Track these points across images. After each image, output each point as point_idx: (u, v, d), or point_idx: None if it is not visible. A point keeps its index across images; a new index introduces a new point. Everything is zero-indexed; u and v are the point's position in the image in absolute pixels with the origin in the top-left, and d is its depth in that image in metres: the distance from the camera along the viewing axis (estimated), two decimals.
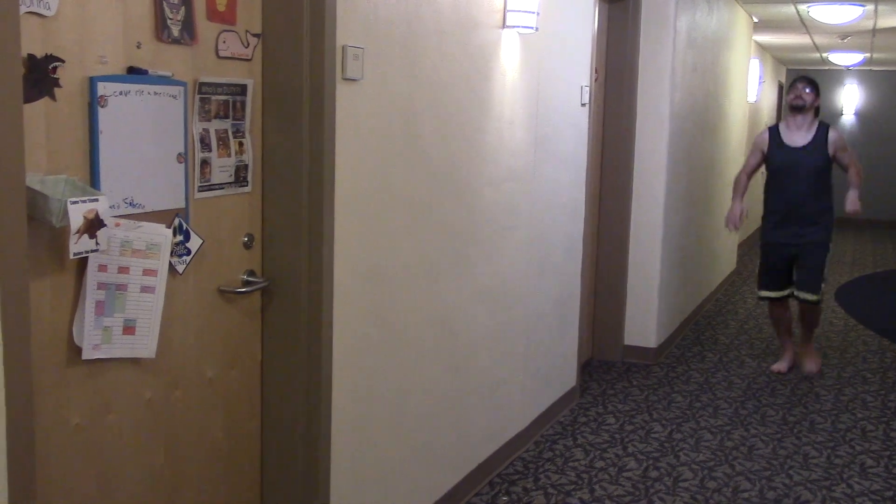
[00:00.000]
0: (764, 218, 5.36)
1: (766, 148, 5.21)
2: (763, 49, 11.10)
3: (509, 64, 3.55)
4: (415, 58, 2.85)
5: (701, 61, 6.40)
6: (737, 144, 8.55)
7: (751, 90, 9.54)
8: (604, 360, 5.56)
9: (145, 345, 2.02)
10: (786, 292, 5.31)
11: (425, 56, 2.92)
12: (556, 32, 4.02)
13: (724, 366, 5.60)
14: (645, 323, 5.63)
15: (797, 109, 5.09)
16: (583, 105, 4.51)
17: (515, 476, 3.75)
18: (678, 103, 5.72)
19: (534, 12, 3.47)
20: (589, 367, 5.37)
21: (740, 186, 5.39)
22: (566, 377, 4.62)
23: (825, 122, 5.18)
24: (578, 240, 4.63)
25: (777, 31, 9.48)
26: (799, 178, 5.06)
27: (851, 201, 5.07)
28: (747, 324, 6.79)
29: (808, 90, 5.08)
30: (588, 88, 4.55)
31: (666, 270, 5.75)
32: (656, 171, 5.53)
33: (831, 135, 5.08)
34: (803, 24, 8.77)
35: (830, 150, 5.04)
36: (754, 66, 9.64)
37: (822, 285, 5.20)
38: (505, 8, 3.43)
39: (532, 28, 3.51)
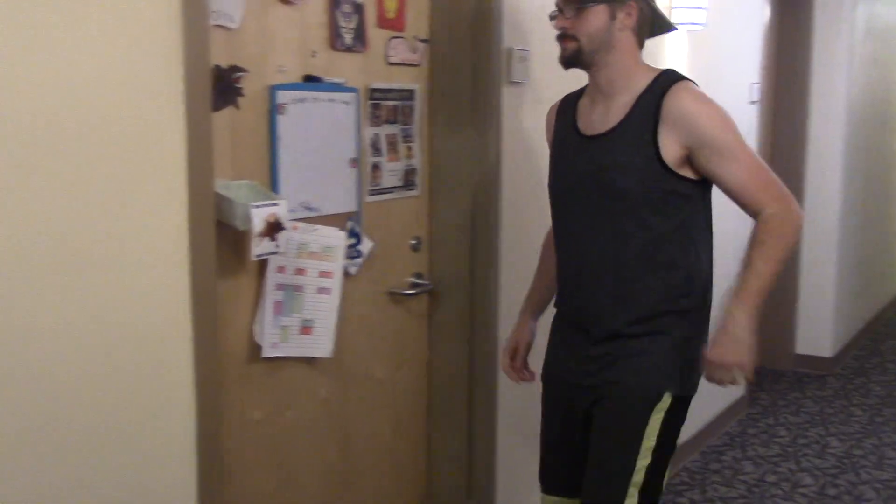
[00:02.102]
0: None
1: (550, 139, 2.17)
2: None
3: (676, 61, 3.45)
4: None
5: (882, 53, 6.00)
6: None
7: None
8: (773, 370, 5.30)
9: (322, 344, 2.07)
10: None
11: None
12: (725, 28, 3.87)
13: None
14: (819, 331, 5.32)
15: (564, 60, 2.01)
16: (752, 103, 4.33)
17: (682, 487, 3.63)
18: (856, 98, 5.39)
19: (703, 8, 3.36)
20: (757, 377, 5.14)
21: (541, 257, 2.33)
22: (734, 387, 4.43)
23: (672, 73, 1.98)
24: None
25: None
26: (581, 220, 2.01)
27: (718, 343, 1.91)
28: None
29: (575, 3, 1.95)
30: (757, 85, 4.36)
31: (842, 275, 5.42)
32: (831, 171, 5.23)
33: (672, 101, 1.90)
34: None
35: (670, 145, 1.89)
36: None
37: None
38: (671, 5, 3.34)
39: (700, 25, 3.40)
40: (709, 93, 3.88)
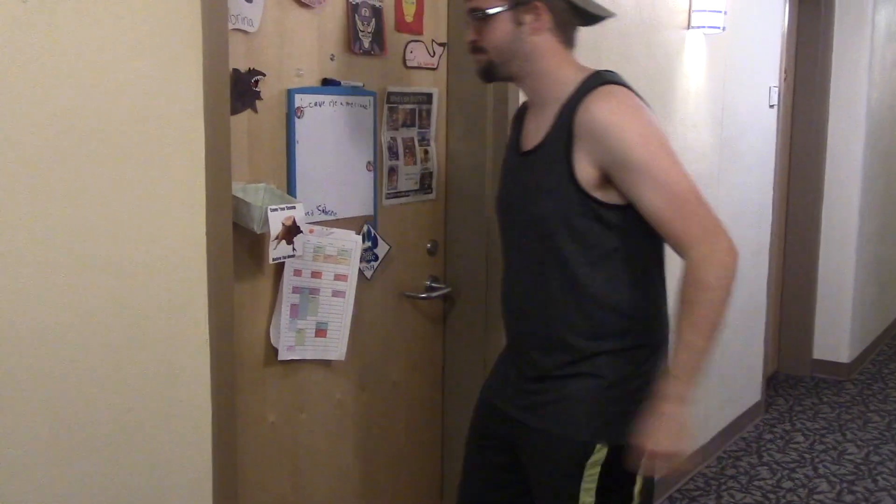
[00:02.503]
0: None
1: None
2: None
3: (694, 65, 3.43)
4: (597, 61, 2.80)
5: None
6: None
7: None
8: (790, 375, 5.26)
9: (336, 347, 2.08)
10: None
11: (608, 59, 2.86)
12: (744, 31, 3.85)
13: None
14: (837, 336, 5.28)
15: (480, 75, 1.83)
16: (771, 106, 4.30)
17: (696, 492, 3.61)
18: (876, 102, 5.34)
19: (721, 11, 3.34)
20: (774, 382, 5.11)
21: None
22: (750, 391, 4.41)
23: (596, 77, 1.73)
24: (765, 247, 4.41)
25: None
26: (511, 247, 1.86)
27: (651, 428, 1.65)
28: None
29: (475, 10, 1.74)
30: (776, 89, 4.33)
31: (860, 281, 5.37)
32: (850, 175, 5.19)
33: (583, 113, 1.65)
34: None
35: (584, 164, 1.66)
36: None
37: None
38: (690, 8, 3.32)
39: (719, 28, 3.38)
40: (727, 96, 3.85)
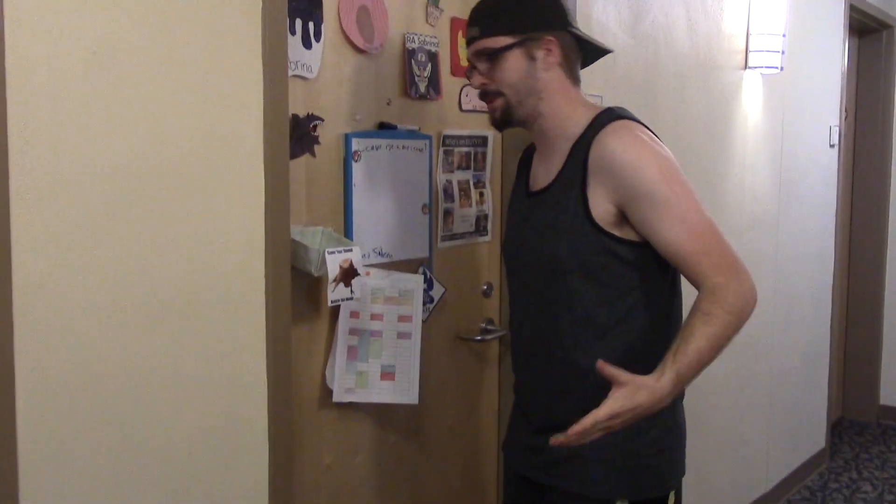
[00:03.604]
0: None
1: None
2: None
3: (751, 105, 3.40)
4: (654, 103, 2.80)
5: None
6: None
7: None
8: (856, 421, 5.11)
9: (406, 390, 2.04)
10: None
11: (664, 100, 2.85)
12: (802, 70, 3.81)
13: None
14: None
15: (497, 122, 1.78)
16: (831, 146, 4.23)
17: None
18: None
19: (778, 51, 3.31)
20: (839, 428, 4.96)
21: None
22: (814, 438, 4.29)
23: (609, 113, 1.71)
24: (827, 291, 4.31)
25: None
26: (521, 290, 1.82)
27: (637, 386, 1.50)
28: None
29: (483, 51, 1.71)
30: (837, 128, 4.26)
31: None
32: None
33: (598, 149, 1.63)
34: None
35: (600, 201, 1.63)
36: None
37: None
38: (747, 48, 3.30)
39: (776, 68, 3.35)
40: (785, 136, 3.79)
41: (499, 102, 1.71)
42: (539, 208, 1.71)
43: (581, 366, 1.64)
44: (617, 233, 1.62)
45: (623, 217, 1.61)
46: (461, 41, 2.26)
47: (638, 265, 1.63)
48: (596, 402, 1.49)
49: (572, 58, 1.72)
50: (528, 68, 1.67)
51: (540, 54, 1.67)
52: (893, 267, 5.10)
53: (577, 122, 1.68)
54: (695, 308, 1.54)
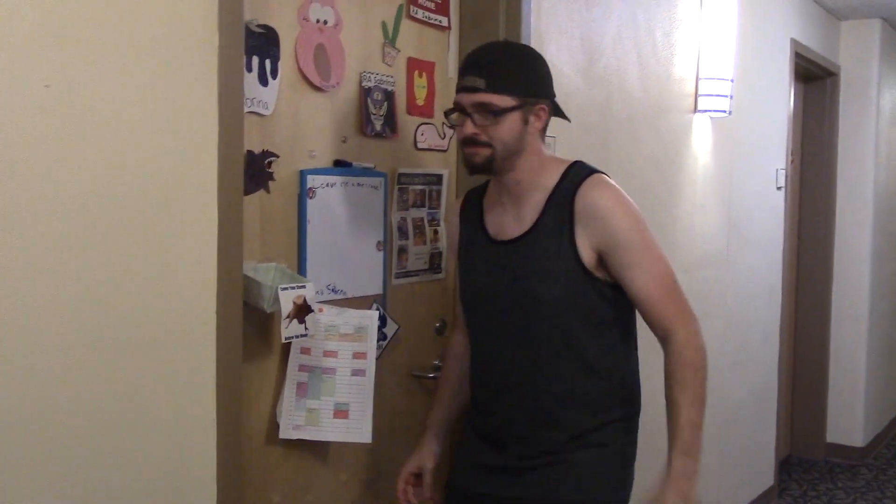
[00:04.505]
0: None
1: (456, 242, 2.07)
2: None
3: (700, 148, 3.48)
4: (606, 144, 2.85)
5: None
6: None
7: None
8: (804, 458, 5.18)
9: (360, 429, 2.02)
10: None
11: (617, 142, 2.91)
12: (750, 114, 3.91)
13: None
14: (850, 419, 5.22)
15: (474, 167, 1.85)
16: (778, 188, 4.34)
17: None
18: (883, 185, 5.39)
19: (726, 96, 3.40)
20: (787, 466, 5.03)
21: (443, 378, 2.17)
22: (763, 475, 4.34)
23: (583, 166, 1.89)
24: (775, 329, 4.39)
25: None
26: (499, 333, 1.90)
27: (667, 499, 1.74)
28: None
29: (486, 105, 1.78)
30: (784, 171, 4.38)
31: (873, 362, 5.34)
32: (860, 256, 5.20)
33: (584, 199, 1.80)
34: None
35: (585, 246, 1.80)
36: None
37: None
38: (696, 93, 3.39)
39: (725, 112, 3.44)
40: (734, 178, 3.89)
41: (485, 152, 1.81)
42: (516, 255, 1.84)
43: (571, 397, 1.83)
44: (598, 275, 1.81)
45: (601, 261, 1.81)
46: (417, 81, 2.29)
47: (614, 303, 1.84)
48: (591, 428, 1.82)
49: (548, 122, 1.89)
50: (521, 130, 1.81)
51: (532, 119, 1.83)
52: (839, 306, 5.22)
53: (550, 176, 1.84)
54: (671, 378, 1.79)
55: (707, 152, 3.53)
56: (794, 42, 4.42)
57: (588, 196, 1.78)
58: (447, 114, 1.88)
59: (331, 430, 2.00)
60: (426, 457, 2.08)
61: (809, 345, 5.20)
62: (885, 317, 5.61)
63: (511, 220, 1.87)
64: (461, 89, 1.81)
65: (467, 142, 1.82)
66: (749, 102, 3.88)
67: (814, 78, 5.05)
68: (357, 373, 2.03)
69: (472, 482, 1.94)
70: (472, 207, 1.98)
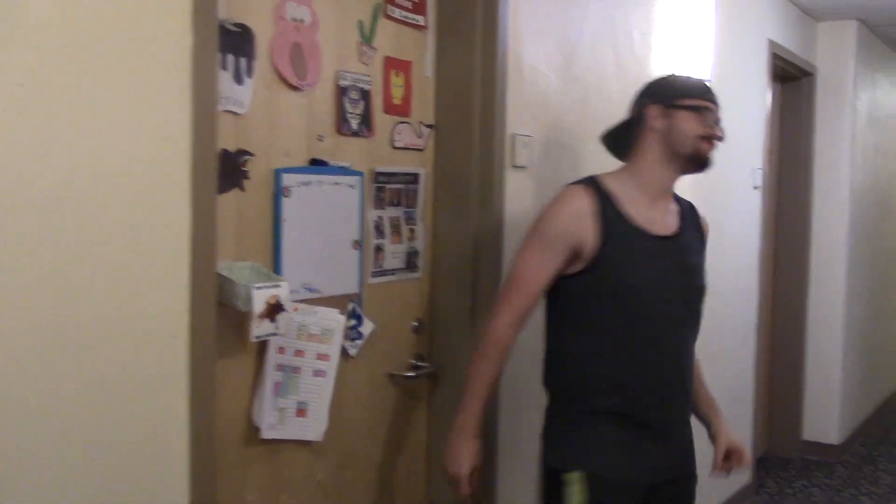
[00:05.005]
0: (586, 425, 2.05)
1: (591, 236, 2.01)
2: None
3: None
4: (583, 144, 2.86)
5: (884, 141, 6.08)
6: None
7: None
8: (780, 457, 5.22)
9: (314, 427, 2.05)
10: None
11: (594, 141, 2.91)
12: (728, 114, 3.92)
13: None
14: (826, 417, 5.27)
15: (710, 162, 2.16)
16: (755, 188, 4.37)
17: None
18: (859, 185, 5.44)
19: None
20: (764, 463, 5.06)
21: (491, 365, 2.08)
22: (740, 473, 4.36)
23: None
24: (752, 328, 4.42)
25: None
26: (673, 323, 2.06)
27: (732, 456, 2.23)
28: None
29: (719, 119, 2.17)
30: (761, 171, 4.40)
31: (849, 361, 5.38)
32: (836, 256, 5.24)
33: (704, 219, 2.28)
34: None
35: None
36: None
37: None
38: None
39: None
40: (711, 177, 3.92)
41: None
42: (679, 248, 2.09)
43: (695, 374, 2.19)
44: None
45: None
46: (394, 80, 2.29)
47: None
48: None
49: None
50: None
51: None
52: (815, 306, 5.26)
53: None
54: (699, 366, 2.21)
55: None
56: (771, 42, 4.45)
57: (704, 217, 2.28)
58: (706, 112, 2.10)
59: (292, 429, 2.01)
60: (478, 455, 2.05)
61: (786, 344, 5.24)
62: (861, 316, 5.66)
63: (659, 217, 2.07)
64: (712, 103, 2.13)
65: (714, 139, 2.10)
66: (727, 102, 3.87)
67: (791, 78, 5.08)
68: (318, 373, 2.04)
69: (650, 472, 2.03)
70: (606, 204, 2.02)
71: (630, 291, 1.99)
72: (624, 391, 2.00)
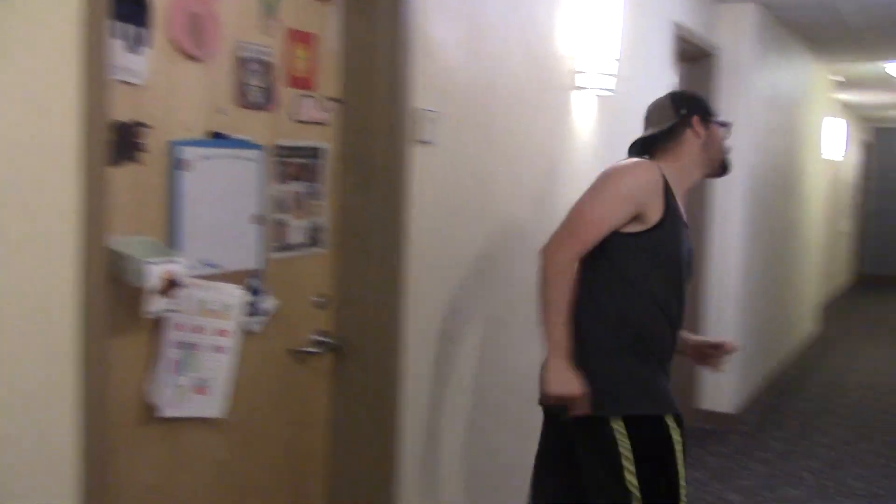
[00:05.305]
0: (633, 373, 2.40)
1: (658, 208, 2.35)
2: (849, 108, 10.90)
3: (584, 126, 3.55)
4: (490, 121, 2.87)
5: (779, 122, 6.30)
6: (817, 204, 8.35)
7: (834, 149, 9.35)
8: None
9: (214, 405, 2.03)
10: None
11: (500, 118, 2.93)
12: (633, 93, 4.00)
13: (806, 434, 5.39)
14: (721, 387, 5.47)
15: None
16: None
17: None
18: (756, 164, 5.62)
19: (612, 74, 3.47)
20: None
21: (563, 296, 2.32)
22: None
23: None
24: None
25: (863, 89, 9.34)
26: (683, 291, 2.47)
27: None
28: (830, 390, 6.54)
29: None
30: None
31: (744, 334, 5.59)
32: (733, 234, 5.43)
33: None
34: (889, 82, 8.61)
35: None
36: (839, 126, 9.47)
37: None
38: (580, 70, 3.44)
39: (609, 91, 3.51)
40: (617, 156, 3.99)
41: None
42: (687, 236, 2.45)
43: None
44: None
45: None
46: (299, 52, 2.25)
47: None
48: None
49: None
50: None
51: None
52: (712, 279, 5.44)
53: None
54: None
55: (591, 130, 3.61)
56: (676, 24, 4.54)
57: None
58: (729, 131, 2.59)
59: (191, 406, 1.98)
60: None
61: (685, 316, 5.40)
62: (756, 292, 5.89)
63: (682, 207, 2.45)
64: (726, 123, 2.56)
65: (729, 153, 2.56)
66: (633, 81, 3.97)
67: (695, 58, 5.21)
68: (218, 350, 2.01)
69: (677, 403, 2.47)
70: (667, 187, 2.38)
71: (672, 263, 2.38)
72: (660, 342, 2.42)
